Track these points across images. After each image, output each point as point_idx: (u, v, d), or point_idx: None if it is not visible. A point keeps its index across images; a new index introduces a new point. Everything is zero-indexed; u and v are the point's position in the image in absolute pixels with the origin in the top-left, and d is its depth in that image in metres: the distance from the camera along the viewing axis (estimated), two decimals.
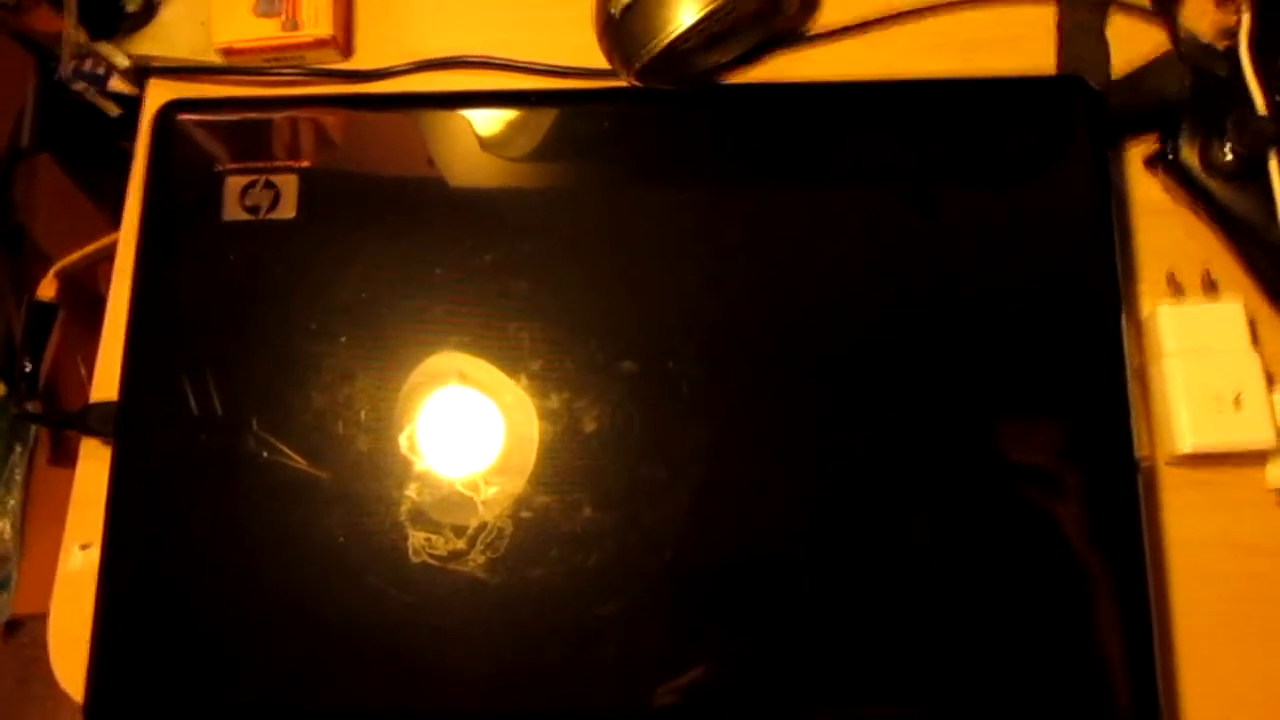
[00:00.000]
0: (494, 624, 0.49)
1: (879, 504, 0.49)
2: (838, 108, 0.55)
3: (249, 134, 0.56)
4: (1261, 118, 0.51)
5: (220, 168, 0.55)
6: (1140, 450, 0.49)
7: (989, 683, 0.47)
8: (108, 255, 0.62)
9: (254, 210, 0.54)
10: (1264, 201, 0.51)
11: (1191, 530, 0.52)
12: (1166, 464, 0.52)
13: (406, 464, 0.51)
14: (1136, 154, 0.56)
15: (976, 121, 0.54)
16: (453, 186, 0.54)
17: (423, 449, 0.51)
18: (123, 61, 0.61)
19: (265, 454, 0.51)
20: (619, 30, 0.55)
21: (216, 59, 0.61)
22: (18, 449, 1.11)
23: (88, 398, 0.57)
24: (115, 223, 0.60)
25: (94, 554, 0.52)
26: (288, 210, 0.54)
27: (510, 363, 0.51)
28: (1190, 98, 0.54)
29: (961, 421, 0.49)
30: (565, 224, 0.53)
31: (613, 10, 0.55)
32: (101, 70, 0.68)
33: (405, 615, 0.49)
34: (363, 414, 0.51)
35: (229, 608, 0.50)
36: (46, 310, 0.64)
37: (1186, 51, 0.54)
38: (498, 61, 0.60)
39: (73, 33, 0.60)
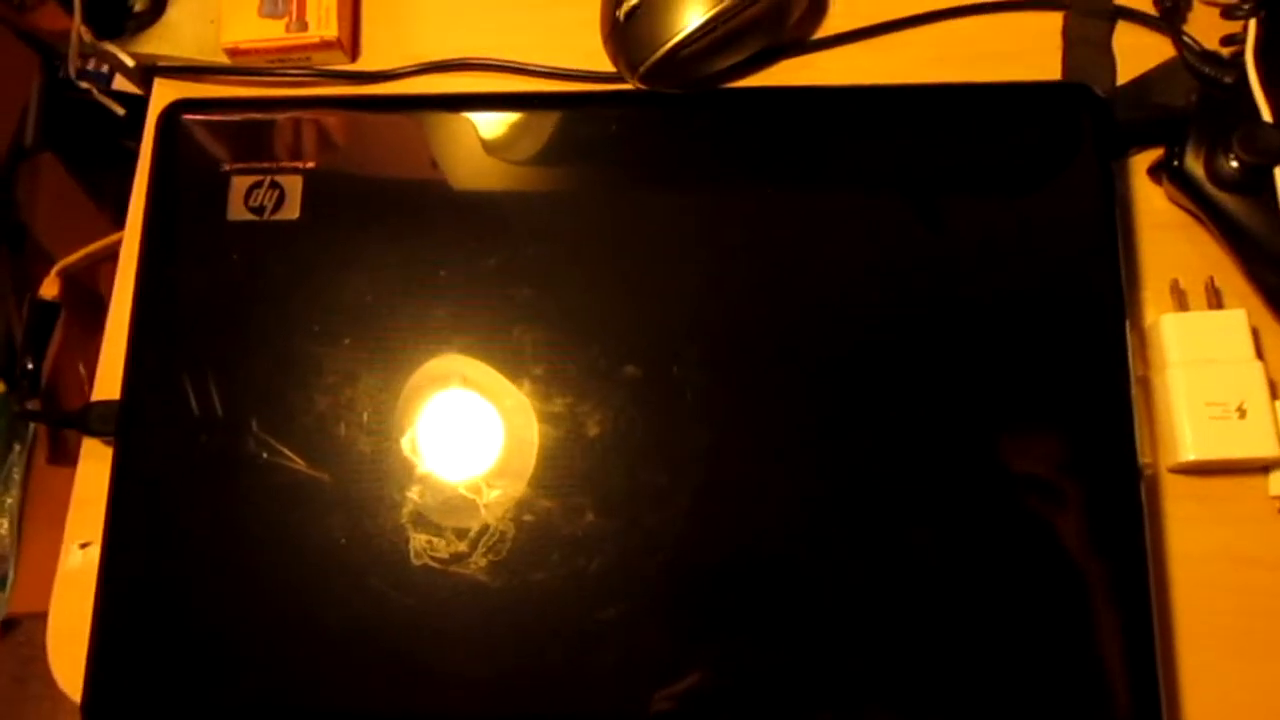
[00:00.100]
0: (495, 627, 0.48)
1: (882, 510, 0.49)
2: (842, 113, 0.55)
3: (254, 134, 0.55)
4: (1268, 128, 0.51)
5: (225, 168, 0.55)
6: (1143, 459, 0.49)
7: (990, 692, 0.47)
8: (110, 255, 0.62)
9: (258, 211, 0.54)
10: (1269, 212, 0.51)
11: (1193, 542, 0.51)
12: (1170, 470, 0.52)
13: (408, 466, 0.50)
14: (1141, 164, 0.56)
15: (981, 128, 0.54)
16: (458, 189, 0.54)
17: (425, 452, 0.51)
18: (128, 61, 0.61)
19: (267, 455, 0.51)
20: (624, 34, 0.55)
21: (223, 59, 0.61)
22: (16, 448, 1.11)
23: (87, 397, 0.57)
24: (117, 222, 0.60)
25: (94, 553, 0.52)
26: (292, 211, 0.54)
27: (513, 366, 0.51)
28: (1196, 107, 0.54)
29: (965, 429, 0.49)
30: (570, 227, 0.53)
31: (619, 14, 0.55)
32: (106, 69, 0.69)
33: (406, 617, 0.49)
34: (365, 416, 0.51)
35: (229, 608, 0.50)
36: (48, 309, 0.64)
37: (1192, 61, 0.54)
38: (503, 64, 0.60)
39: (79, 32, 0.60)
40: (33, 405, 0.62)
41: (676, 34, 0.53)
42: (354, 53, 0.62)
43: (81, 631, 0.50)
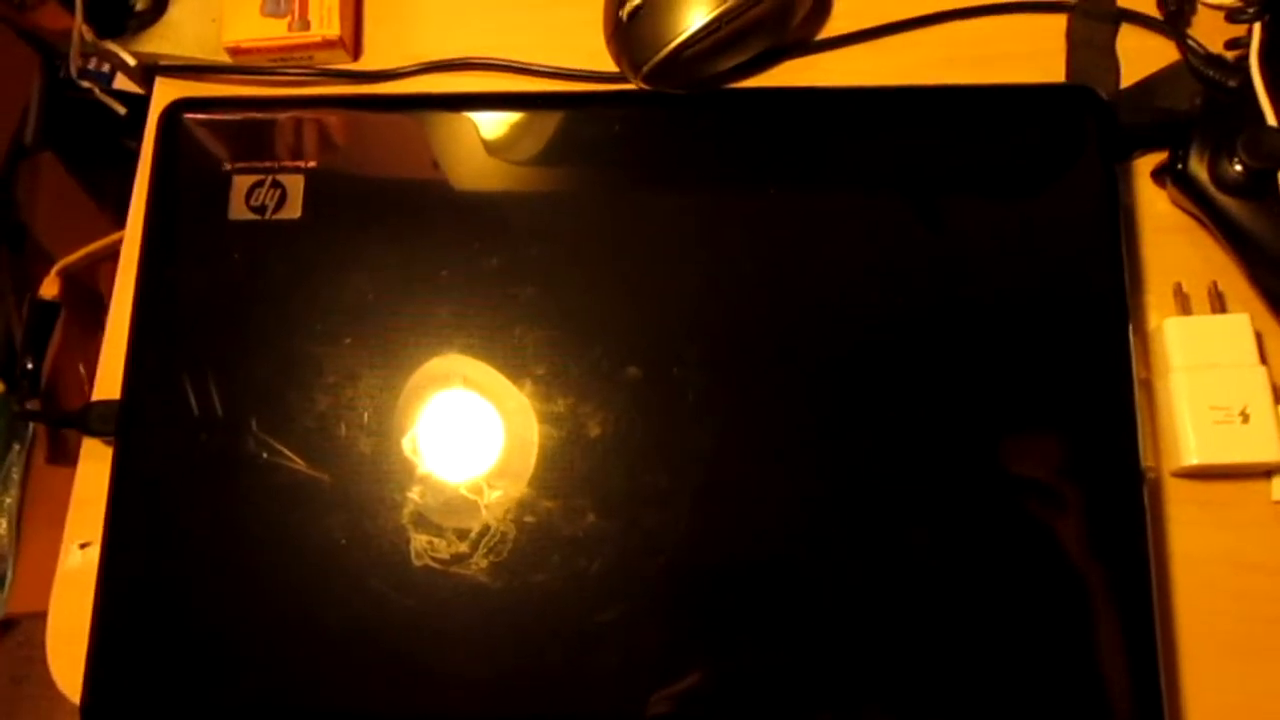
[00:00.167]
0: (496, 628, 0.48)
1: (884, 513, 0.49)
2: (845, 114, 0.55)
3: (256, 134, 0.55)
4: (1272, 132, 0.51)
5: (227, 167, 0.55)
6: (1145, 463, 0.49)
7: (992, 695, 0.47)
8: (110, 254, 0.62)
9: (260, 210, 0.54)
10: (1273, 216, 0.51)
11: (1196, 546, 0.51)
12: (1172, 475, 0.52)
13: (409, 467, 0.50)
14: (1145, 167, 0.56)
15: (984, 130, 0.54)
16: (460, 189, 0.54)
17: (426, 452, 0.51)
18: (130, 60, 0.61)
19: (268, 455, 0.51)
20: (628, 34, 0.55)
21: (225, 58, 0.60)
22: (15, 448, 1.11)
23: (87, 397, 0.57)
24: (118, 222, 0.60)
25: (93, 553, 0.51)
26: (294, 211, 0.54)
27: (515, 367, 0.51)
28: (1200, 111, 0.53)
29: (968, 432, 0.49)
30: (572, 228, 0.53)
31: (622, 14, 0.55)
32: (107, 69, 0.69)
33: (407, 618, 0.49)
34: (366, 416, 0.51)
35: (229, 609, 0.50)
36: (48, 309, 0.64)
37: (1196, 64, 0.54)
38: (506, 64, 0.60)
39: (80, 31, 0.60)
40: (32, 405, 0.62)
41: (680, 34, 0.53)
42: (356, 52, 0.62)
43: (81, 632, 0.50)
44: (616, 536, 0.49)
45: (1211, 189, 0.52)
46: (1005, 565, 0.48)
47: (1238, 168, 0.51)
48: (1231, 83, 0.53)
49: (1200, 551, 0.51)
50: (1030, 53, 0.58)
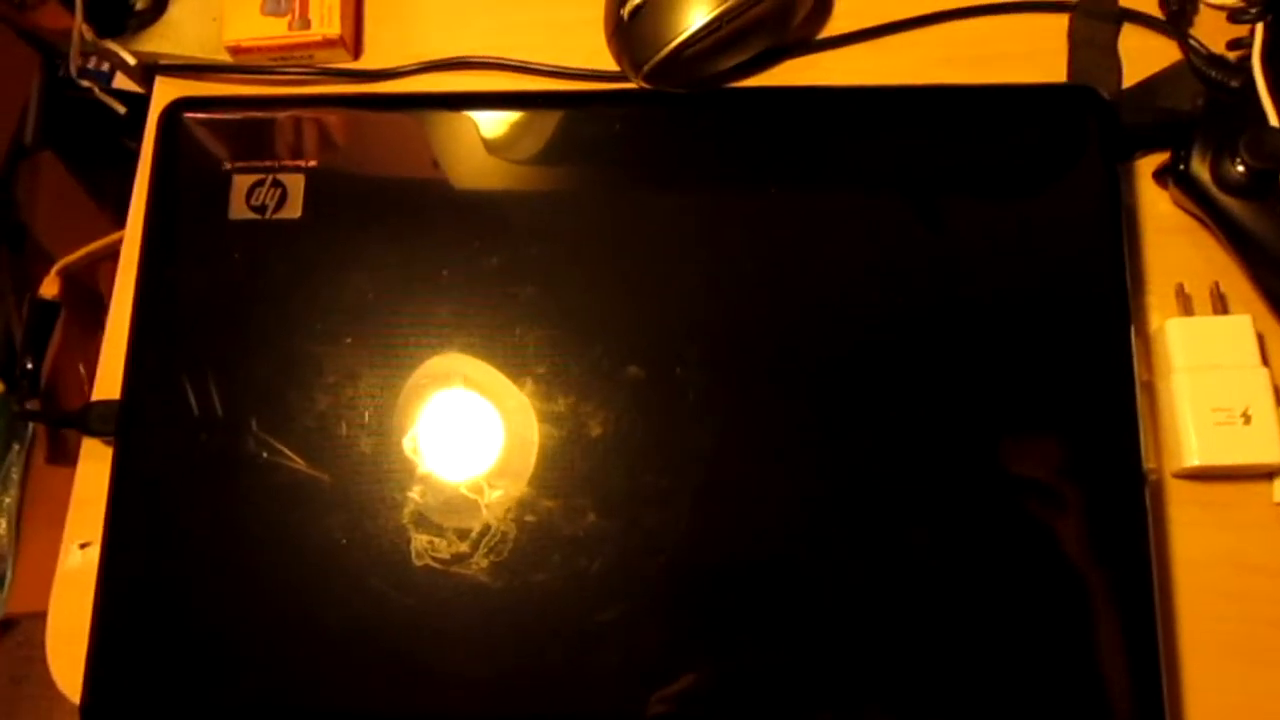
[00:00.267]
0: (496, 627, 0.48)
1: (885, 513, 0.49)
2: (846, 114, 0.55)
3: (256, 133, 0.55)
4: (1274, 132, 0.50)
5: (227, 166, 0.55)
6: (1147, 464, 0.49)
7: (992, 696, 0.47)
8: (110, 254, 0.62)
9: (260, 210, 0.54)
10: (1275, 217, 0.51)
11: (1197, 548, 0.51)
12: (1174, 476, 0.51)
13: (410, 466, 0.50)
14: (1146, 167, 0.56)
15: (986, 130, 0.54)
16: (460, 188, 0.54)
17: (426, 451, 0.50)
18: (130, 59, 0.61)
19: (268, 455, 0.51)
20: (629, 33, 0.55)
21: (225, 57, 0.60)
22: (15, 447, 1.11)
23: (87, 397, 0.57)
24: (117, 221, 0.60)
25: (93, 553, 0.51)
26: (294, 210, 0.54)
27: (515, 366, 0.51)
28: (1202, 111, 0.53)
29: (969, 433, 0.49)
30: (572, 227, 0.53)
31: (623, 12, 0.55)
32: (107, 68, 0.68)
33: (407, 618, 0.48)
34: (366, 415, 0.51)
35: (229, 609, 0.49)
36: (48, 309, 0.64)
37: (1198, 65, 0.54)
38: (506, 63, 0.60)
39: (80, 30, 0.60)
40: (32, 405, 0.62)
41: (681, 33, 0.53)
42: (356, 51, 0.62)
43: (81, 632, 0.50)
44: (617, 536, 0.49)
45: (1213, 189, 0.52)
46: (1006, 566, 0.48)
47: (1240, 168, 0.51)
48: (1234, 83, 0.53)
49: (1201, 553, 0.51)
50: (1032, 52, 0.58)
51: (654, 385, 0.50)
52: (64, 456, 1.09)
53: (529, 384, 0.51)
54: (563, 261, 0.52)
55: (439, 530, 0.49)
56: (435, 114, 0.56)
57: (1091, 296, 0.51)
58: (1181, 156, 0.53)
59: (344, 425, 0.51)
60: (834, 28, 0.60)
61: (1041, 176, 0.53)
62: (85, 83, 0.66)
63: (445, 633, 0.49)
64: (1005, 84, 0.55)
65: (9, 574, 1.10)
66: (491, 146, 0.55)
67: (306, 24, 0.59)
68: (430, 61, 0.60)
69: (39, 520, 1.10)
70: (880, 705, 0.47)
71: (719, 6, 0.53)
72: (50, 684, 0.53)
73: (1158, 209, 0.56)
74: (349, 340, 0.52)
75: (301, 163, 0.54)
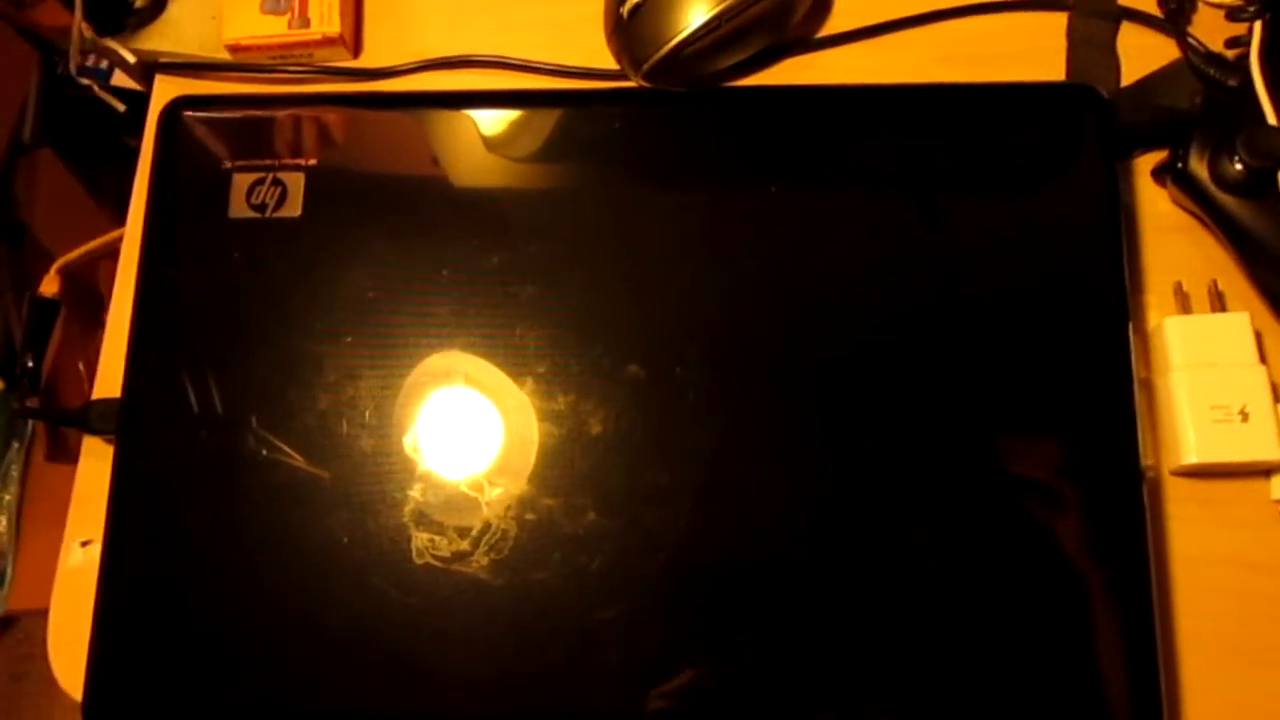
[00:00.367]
0: (497, 626, 0.48)
1: (884, 512, 0.49)
2: (846, 112, 0.55)
3: (256, 131, 0.55)
4: (1272, 131, 0.51)
5: (227, 165, 0.55)
6: (1145, 462, 0.49)
7: (991, 695, 0.47)
8: (110, 252, 0.62)
9: (260, 208, 0.54)
10: (1273, 215, 0.51)
11: (1195, 545, 0.51)
12: (1172, 473, 0.52)
13: (410, 464, 0.50)
14: (1145, 165, 0.56)
15: (985, 129, 0.54)
16: (460, 187, 0.54)
17: (427, 450, 0.51)
18: (129, 58, 0.61)
19: (268, 453, 0.51)
20: (628, 31, 0.55)
21: (225, 55, 0.60)
22: (15, 445, 1.11)
23: (87, 395, 0.57)
24: (117, 219, 0.60)
25: (94, 551, 0.51)
26: (294, 208, 0.54)
27: (515, 365, 0.51)
28: (1200, 110, 0.53)
29: (967, 431, 0.49)
30: (572, 226, 0.53)
31: (622, 11, 0.55)
32: (106, 66, 0.68)
33: (408, 616, 0.49)
34: (367, 414, 0.51)
35: (230, 607, 0.50)
36: (48, 307, 0.64)
37: (1196, 63, 0.54)
38: (506, 61, 0.60)
39: (80, 28, 0.60)
40: (32, 403, 0.62)
41: (680, 32, 0.53)
42: (356, 49, 0.62)
43: (82, 630, 0.50)
44: (617, 534, 0.49)
45: (1212, 188, 0.52)
46: (1005, 564, 0.48)
47: (1238, 166, 0.51)
48: (1232, 81, 0.53)
49: (1200, 550, 0.51)
50: (1030, 51, 0.58)
51: (654, 384, 0.50)
52: (64, 454, 1.09)
53: (529, 382, 0.51)
54: (563, 260, 0.52)
55: (439, 528, 0.49)
56: (435, 112, 0.56)
57: (1090, 294, 0.51)
58: (1180, 155, 0.53)
59: (344, 423, 0.51)
60: (833, 26, 0.60)
61: (1040, 175, 0.53)
62: (84, 80, 0.66)
63: (446, 631, 0.49)
64: (1004, 82, 0.55)
65: (9, 571, 1.10)
66: (491, 145, 0.55)
67: (306, 22, 0.59)
68: (430, 60, 0.60)
69: (39, 518, 1.10)
70: (880, 703, 0.47)
71: (718, 5, 0.53)
72: (50, 681, 0.53)
73: (1156, 207, 0.56)
74: (349, 339, 0.52)
75: (301, 161, 0.54)
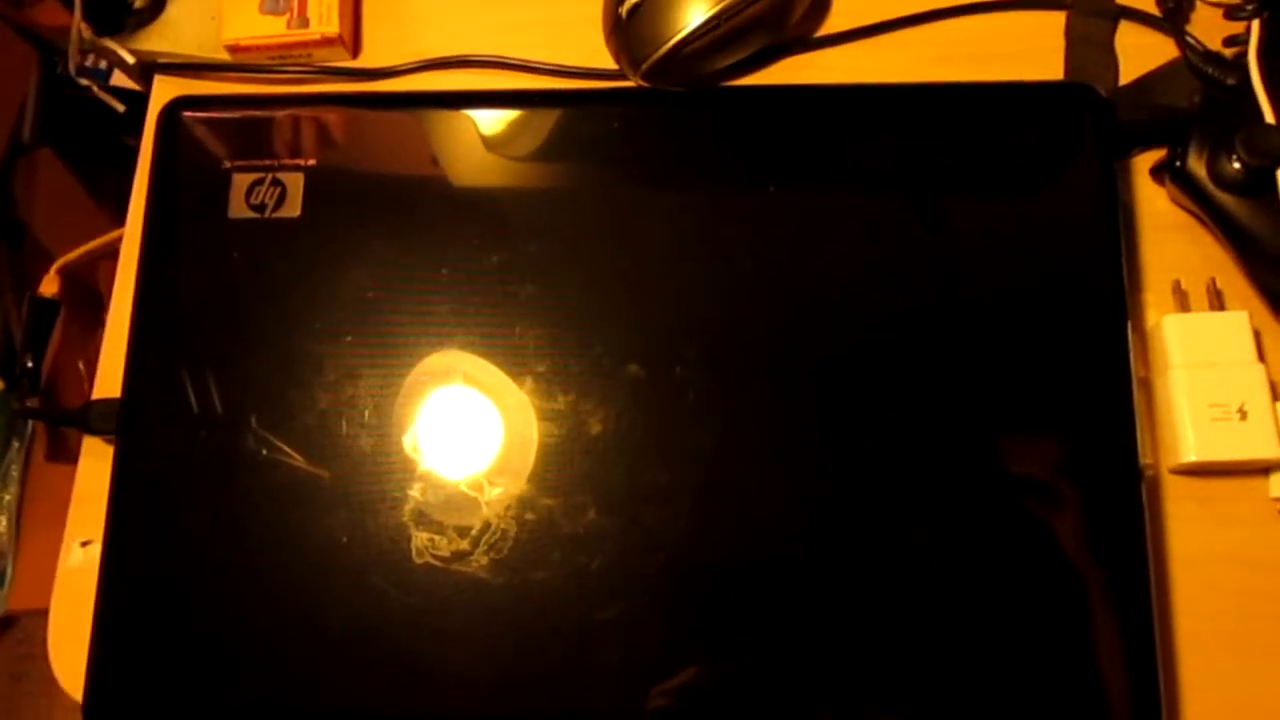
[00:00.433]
0: (497, 625, 0.48)
1: (884, 511, 0.49)
2: (844, 112, 0.55)
3: (255, 132, 0.55)
4: (1270, 129, 0.51)
5: (226, 165, 0.55)
6: (1144, 460, 0.49)
7: (990, 693, 0.47)
8: (109, 252, 0.62)
9: (260, 208, 0.54)
10: (1271, 214, 0.51)
11: (1194, 544, 0.51)
12: (1171, 472, 0.52)
13: (410, 464, 0.50)
14: (1143, 164, 0.56)
15: (983, 128, 0.54)
16: (459, 187, 0.54)
17: (426, 449, 0.51)
18: (129, 58, 0.61)
19: (268, 453, 0.51)
20: (627, 31, 0.55)
21: (224, 56, 0.60)
22: (14, 445, 1.11)
23: (87, 395, 0.57)
24: (116, 219, 0.60)
25: (95, 551, 0.51)
26: (293, 208, 0.54)
27: (515, 364, 0.51)
28: (1198, 108, 0.54)
29: (967, 430, 0.49)
30: (572, 225, 0.53)
31: (621, 11, 0.55)
32: (105, 66, 0.68)
33: (407, 616, 0.49)
34: (366, 413, 0.51)
35: (231, 607, 0.50)
36: (48, 307, 0.64)
37: (1195, 62, 0.54)
38: (505, 61, 0.60)
39: (79, 29, 0.60)
40: (32, 403, 0.62)
41: (679, 31, 0.53)
42: (355, 49, 0.62)
43: (82, 629, 0.50)
44: (617, 534, 0.49)
45: (1210, 186, 0.52)
46: (1004, 562, 0.48)
47: (1236, 165, 0.51)
48: (1230, 80, 0.53)
49: (1198, 548, 0.51)
50: (1028, 50, 0.58)
51: (653, 383, 0.50)
52: (64, 454, 1.09)
53: (529, 382, 0.51)
54: (562, 260, 0.52)
55: (439, 528, 0.49)
56: (434, 112, 0.56)
57: (1088, 293, 0.51)
58: (1178, 153, 0.53)
59: (344, 423, 0.51)
60: (831, 26, 0.60)
61: (1039, 174, 0.53)
62: (84, 81, 0.66)
63: (446, 630, 0.49)
64: (1002, 81, 0.55)
65: (9, 571, 1.10)
66: (490, 145, 0.55)
67: (305, 22, 0.59)
68: (429, 60, 0.60)
69: (39, 518, 1.10)
70: (879, 702, 0.47)
71: (717, 5, 0.53)
72: (50, 681, 0.53)
73: (1155, 206, 0.56)
74: (349, 338, 0.52)
75: (301, 161, 0.55)
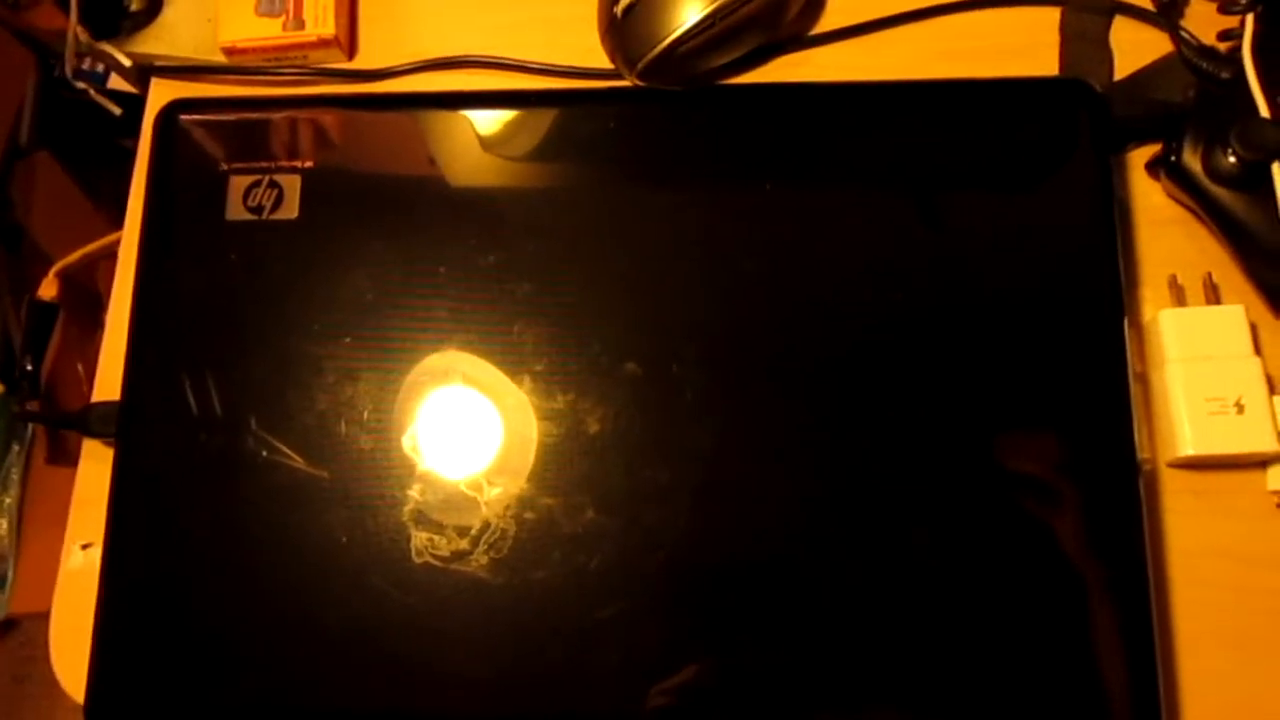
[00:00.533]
0: (496, 625, 0.49)
1: (882, 508, 0.49)
2: (840, 109, 0.55)
3: (252, 134, 0.55)
4: (1265, 123, 0.51)
5: (223, 167, 0.55)
6: (1142, 455, 0.49)
7: (989, 691, 0.47)
8: (107, 254, 0.62)
9: (257, 210, 0.54)
10: (1266, 208, 0.51)
11: (1192, 537, 0.51)
12: (1168, 465, 0.52)
13: (409, 464, 0.50)
14: (1139, 159, 0.56)
15: (978, 124, 0.54)
16: (456, 187, 0.54)
17: (425, 449, 0.51)
18: (125, 61, 0.61)
19: (267, 454, 0.51)
20: (622, 30, 0.55)
21: (220, 58, 0.61)
22: (15, 448, 1.11)
23: (86, 397, 0.57)
24: (114, 222, 0.60)
25: (95, 554, 0.52)
26: (291, 210, 0.54)
27: (513, 363, 0.51)
28: (1193, 103, 0.54)
29: (964, 425, 0.49)
30: (568, 224, 0.53)
31: (616, 10, 0.55)
32: (102, 69, 0.68)
33: (407, 616, 0.49)
34: (365, 414, 0.51)
35: (231, 608, 0.50)
36: (47, 310, 0.64)
37: (1190, 56, 0.54)
38: (501, 61, 0.60)
39: (75, 32, 0.60)
40: (32, 406, 0.62)
41: (674, 30, 0.53)
42: (351, 51, 0.62)
43: (84, 632, 0.50)
44: (616, 533, 0.49)
45: (1205, 181, 0.52)
46: (1002, 558, 0.48)
47: (1231, 159, 0.51)
48: (1225, 74, 0.53)
49: (1196, 542, 0.51)
50: (1024, 46, 0.58)
51: (652, 382, 0.50)
52: (63, 457, 1.09)
53: (527, 381, 0.51)
54: (559, 259, 0.53)
55: (439, 528, 0.49)
56: (430, 113, 0.56)
57: (1085, 288, 0.51)
58: (1173, 148, 0.53)
59: (343, 424, 0.51)
60: (826, 24, 0.60)
61: (1034, 169, 0.53)
62: (80, 84, 0.65)
63: (445, 630, 0.49)
64: (997, 77, 0.55)
65: (10, 574, 1.10)
66: (487, 145, 0.55)
67: (301, 24, 0.59)
68: (424, 61, 0.60)
69: (39, 521, 1.10)
70: (878, 700, 0.47)
71: (711, 4, 0.53)
72: (51, 683, 0.53)
73: (1150, 200, 0.56)
74: (347, 339, 0.52)
75: (298, 163, 0.55)
